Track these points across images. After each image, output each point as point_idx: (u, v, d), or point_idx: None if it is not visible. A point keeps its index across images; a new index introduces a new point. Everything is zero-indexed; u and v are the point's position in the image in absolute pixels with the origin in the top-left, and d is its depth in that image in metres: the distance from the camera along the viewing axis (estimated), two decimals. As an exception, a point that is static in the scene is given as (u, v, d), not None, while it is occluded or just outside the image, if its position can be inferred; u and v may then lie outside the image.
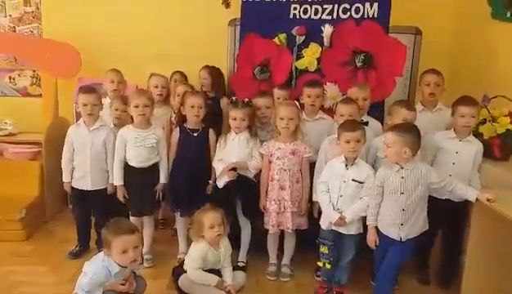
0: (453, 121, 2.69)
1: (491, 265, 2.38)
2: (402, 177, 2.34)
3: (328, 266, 2.60)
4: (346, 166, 2.52)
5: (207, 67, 3.56)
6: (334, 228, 2.55)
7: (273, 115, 2.84)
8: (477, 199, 2.31)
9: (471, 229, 2.42)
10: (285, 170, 2.73)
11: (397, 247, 2.41)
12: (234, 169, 2.78)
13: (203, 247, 2.56)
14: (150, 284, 2.58)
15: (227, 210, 2.67)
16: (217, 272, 2.61)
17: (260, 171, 2.83)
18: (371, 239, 2.45)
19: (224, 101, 3.32)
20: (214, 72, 3.54)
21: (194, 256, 2.57)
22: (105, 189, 2.97)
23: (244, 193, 2.83)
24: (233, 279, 2.62)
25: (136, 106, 2.80)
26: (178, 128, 2.93)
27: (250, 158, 2.84)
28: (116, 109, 3.08)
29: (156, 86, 3.32)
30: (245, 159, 2.83)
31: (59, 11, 3.93)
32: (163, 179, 2.92)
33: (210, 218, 2.53)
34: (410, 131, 2.34)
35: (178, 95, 3.14)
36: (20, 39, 4.00)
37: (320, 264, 2.63)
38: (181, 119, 2.95)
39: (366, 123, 2.83)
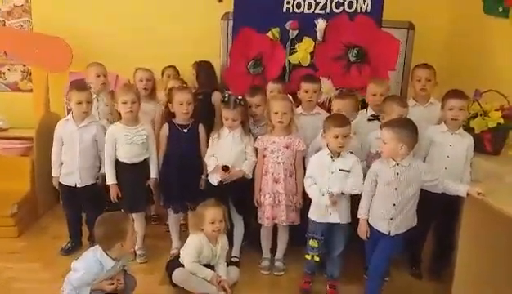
0: (443, 114, 2.70)
1: (482, 258, 2.40)
2: (397, 173, 2.34)
3: (316, 259, 2.62)
4: (332, 158, 2.52)
5: (195, 63, 3.52)
6: (325, 220, 2.54)
7: (266, 110, 2.83)
8: (468, 193, 2.32)
9: (462, 223, 2.43)
10: (278, 163, 2.74)
11: (386, 242, 2.42)
12: (226, 168, 2.77)
13: (200, 239, 2.57)
14: (144, 279, 2.60)
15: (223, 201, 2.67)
16: (211, 268, 2.61)
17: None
18: (363, 231, 2.46)
19: (215, 96, 3.29)
20: (201, 66, 3.48)
21: (189, 247, 2.57)
22: (94, 184, 2.94)
23: (237, 189, 2.83)
24: (227, 274, 2.62)
25: (125, 102, 2.77)
26: (167, 124, 2.90)
27: (244, 155, 2.83)
28: (107, 105, 3.05)
29: (141, 80, 3.26)
30: (239, 155, 2.82)
31: (49, 5, 3.89)
32: (154, 174, 2.91)
33: (212, 213, 2.54)
34: (406, 126, 2.33)
35: (169, 90, 3.11)
36: (9, 33, 3.95)
37: (308, 257, 2.64)
38: (170, 115, 2.91)
39: (379, 119, 2.85)
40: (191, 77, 3.54)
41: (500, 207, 2.12)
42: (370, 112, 2.92)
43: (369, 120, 2.89)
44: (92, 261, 2.15)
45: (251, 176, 2.82)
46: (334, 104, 2.76)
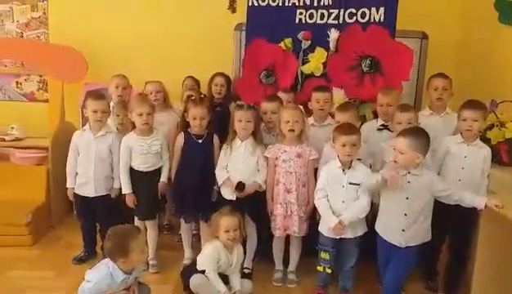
0: (458, 125, 2.67)
1: (500, 272, 2.35)
2: (409, 182, 2.32)
3: (328, 271, 2.59)
4: (343, 171, 2.50)
5: (222, 74, 3.55)
6: (332, 236, 2.53)
7: (278, 119, 2.83)
8: (485, 206, 2.28)
9: (480, 235, 2.39)
10: (290, 173, 2.73)
11: (400, 255, 2.38)
12: (242, 185, 2.75)
13: (217, 246, 2.55)
14: (157, 290, 2.58)
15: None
16: (226, 277, 2.59)
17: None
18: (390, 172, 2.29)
19: (233, 106, 3.32)
20: (227, 78, 3.55)
21: (208, 255, 2.54)
22: (109, 195, 2.96)
23: (251, 201, 2.80)
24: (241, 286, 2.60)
25: (140, 114, 2.79)
26: (182, 134, 2.91)
27: (257, 166, 2.82)
28: (118, 115, 3.08)
29: (151, 93, 3.27)
30: (251, 168, 2.80)
31: (65, 17, 3.96)
32: (163, 177, 2.92)
33: (226, 222, 2.52)
34: (422, 135, 2.32)
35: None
36: (27, 44, 4.03)
37: (320, 269, 2.61)
38: (185, 125, 2.92)
39: (388, 128, 2.85)
40: (216, 88, 3.55)
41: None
42: (380, 122, 2.91)
43: (378, 130, 2.90)
44: (103, 273, 2.15)
45: (264, 188, 2.81)
46: (335, 117, 2.76)
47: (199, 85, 3.69)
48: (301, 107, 2.86)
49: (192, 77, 3.69)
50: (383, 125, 2.89)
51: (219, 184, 2.83)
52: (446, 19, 3.70)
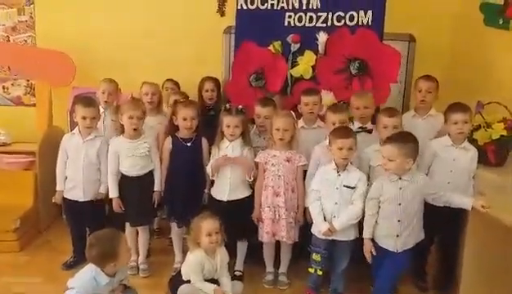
0: (447, 128, 2.69)
1: (488, 270, 2.39)
2: (400, 188, 2.33)
3: (320, 273, 2.60)
4: (338, 173, 2.52)
5: (211, 78, 3.53)
6: (325, 237, 2.55)
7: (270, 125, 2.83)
8: (472, 207, 2.31)
9: (467, 235, 2.43)
10: (279, 176, 2.73)
11: (393, 259, 2.40)
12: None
13: (199, 255, 2.53)
14: (147, 295, 2.58)
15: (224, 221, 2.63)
16: (215, 282, 2.57)
17: (255, 180, 2.81)
18: (367, 250, 2.43)
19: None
20: (217, 82, 3.54)
21: (192, 265, 2.52)
22: (98, 199, 2.94)
23: (241, 213, 2.79)
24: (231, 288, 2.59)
25: (131, 118, 2.78)
26: (170, 138, 2.90)
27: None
28: (113, 120, 3.05)
29: (146, 94, 3.27)
30: (241, 169, 2.80)
31: (53, 21, 3.91)
32: (157, 186, 2.91)
33: (208, 225, 2.50)
34: (409, 139, 2.34)
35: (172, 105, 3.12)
36: (13, 49, 3.98)
37: (311, 270, 2.63)
38: (173, 129, 2.92)
39: (370, 131, 2.87)
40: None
41: (505, 219, 2.11)
42: (358, 124, 2.90)
43: (356, 132, 2.84)
44: (87, 278, 2.13)
45: (250, 179, 2.78)
46: (328, 118, 2.77)
47: (179, 87, 3.67)
48: (293, 113, 2.85)
49: (172, 80, 3.66)
50: (360, 127, 2.89)
51: (210, 176, 2.81)
52: (433, 21, 3.72)
